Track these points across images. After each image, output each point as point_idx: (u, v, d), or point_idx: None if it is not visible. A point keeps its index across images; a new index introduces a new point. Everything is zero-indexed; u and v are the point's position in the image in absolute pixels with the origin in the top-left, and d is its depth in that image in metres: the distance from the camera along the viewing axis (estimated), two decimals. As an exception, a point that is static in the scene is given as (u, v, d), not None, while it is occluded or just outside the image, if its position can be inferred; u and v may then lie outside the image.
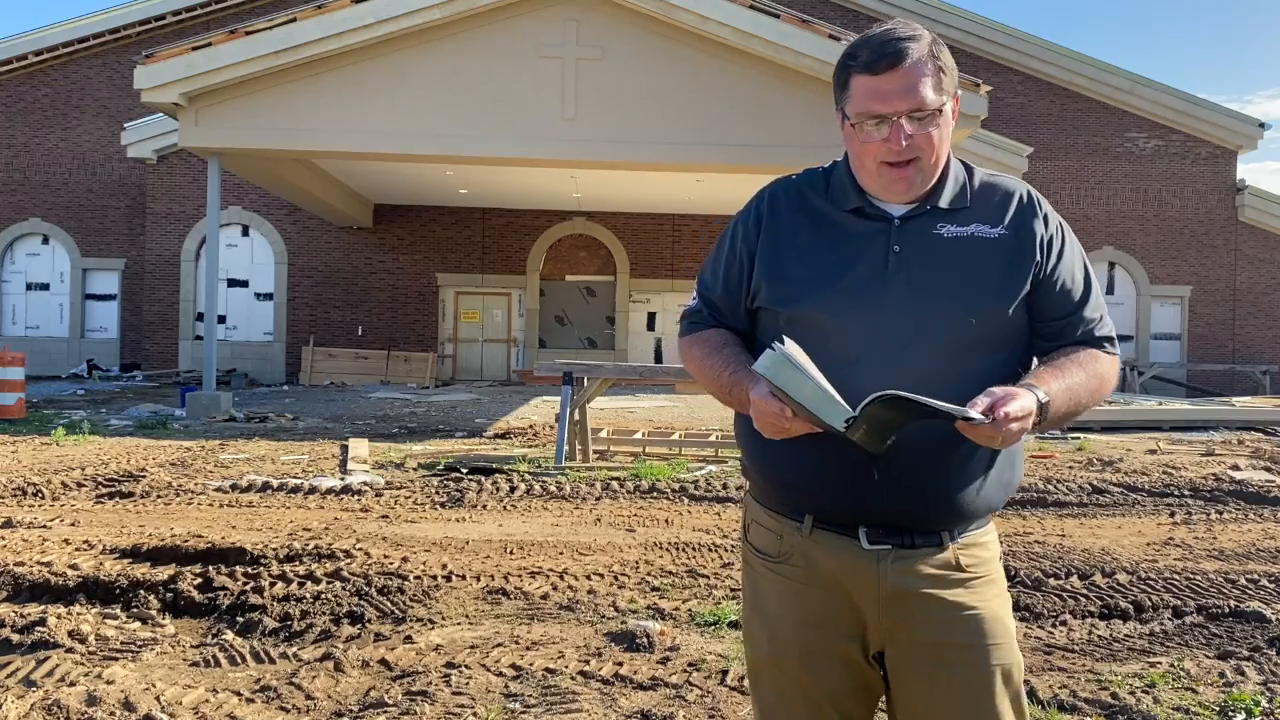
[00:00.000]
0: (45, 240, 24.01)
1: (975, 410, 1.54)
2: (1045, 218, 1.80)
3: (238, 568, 5.10)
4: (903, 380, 1.57)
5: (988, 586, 1.79)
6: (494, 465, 9.02)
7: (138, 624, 4.28)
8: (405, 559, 5.42)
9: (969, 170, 1.84)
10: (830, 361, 1.62)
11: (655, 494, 7.74)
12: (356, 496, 7.45)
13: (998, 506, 1.82)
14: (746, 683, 3.65)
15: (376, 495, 7.49)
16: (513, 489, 7.79)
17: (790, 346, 1.58)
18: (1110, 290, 23.67)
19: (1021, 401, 1.58)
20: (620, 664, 3.86)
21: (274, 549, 5.48)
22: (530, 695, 3.56)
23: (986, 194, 1.81)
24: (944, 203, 1.78)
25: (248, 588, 4.73)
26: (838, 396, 1.55)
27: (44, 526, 6.17)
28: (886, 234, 1.77)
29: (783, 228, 1.84)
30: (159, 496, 7.35)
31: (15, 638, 3.98)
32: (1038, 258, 1.76)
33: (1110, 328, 1.84)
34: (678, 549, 5.87)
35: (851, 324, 1.71)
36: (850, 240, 1.78)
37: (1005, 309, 1.73)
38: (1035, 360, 1.81)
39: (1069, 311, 1.79)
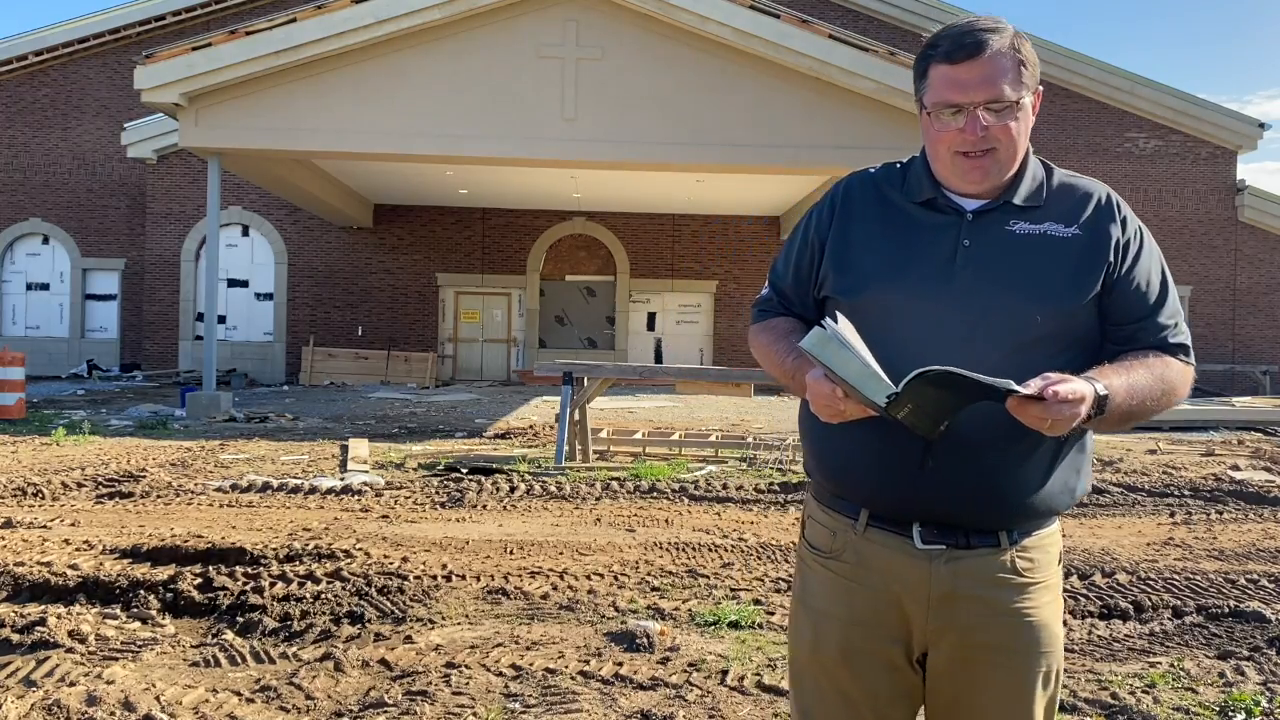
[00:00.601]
0: (45, 240, 24.02)
1: (1027, 390, 1.51)
2: (1123, 221, 1.77)
3: (238, 568, 5.10)
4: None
5: (1043, 592, 1.75)
6: (494, 465, 9.02)
7: (138, 624, 4.28)
8: (405, 559, 5.42)
9: (1048, 169, 1.82)
10: (892, 352, 1.60)
11: (655, 494, 7.74)
12: (356, 496, 7.45)
13: (1061, 509, 1.77)
14: (753, 687, 3.66)
15: (376, 495, 7.49)
16: (513, 489, 7.79)
17: (841, 324, 1.57)
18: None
19: (1074, 385, 1.53)
20: (620, 664, 3.86)
21: (274, 549, 5.48)
22: (530, 695, 3.56)
23: (1064, 194, 1.79)
24: (1018, 199, 1.76)
25: (248, 588, 4.73)
26: (882, 373, 1.53)
27: (44, 526, 6.17)
28: (957, 227, 1.75)
29: (854, 218, 1.83)
30: (159, 496, 7.34)
31: (15, 638, 3.98)
32: (1110, 259, 1.73)
33: (1185, 336, 1.78)
34: (678, 549, 5.87)
35: (915, 315, 1.70)
36: (920, 232, 1.77)
37: (1072, 307, 1.70)
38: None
39: (1141, 316, 1.75)
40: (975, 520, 1.71)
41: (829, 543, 1.82)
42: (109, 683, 3.57)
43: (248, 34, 13.94)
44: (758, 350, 1.94)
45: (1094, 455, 9.54)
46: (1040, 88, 1.77)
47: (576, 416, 9.71)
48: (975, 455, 1.66)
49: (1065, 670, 3.88)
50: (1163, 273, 1.79)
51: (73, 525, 6.26)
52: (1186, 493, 8.09)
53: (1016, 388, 1.50)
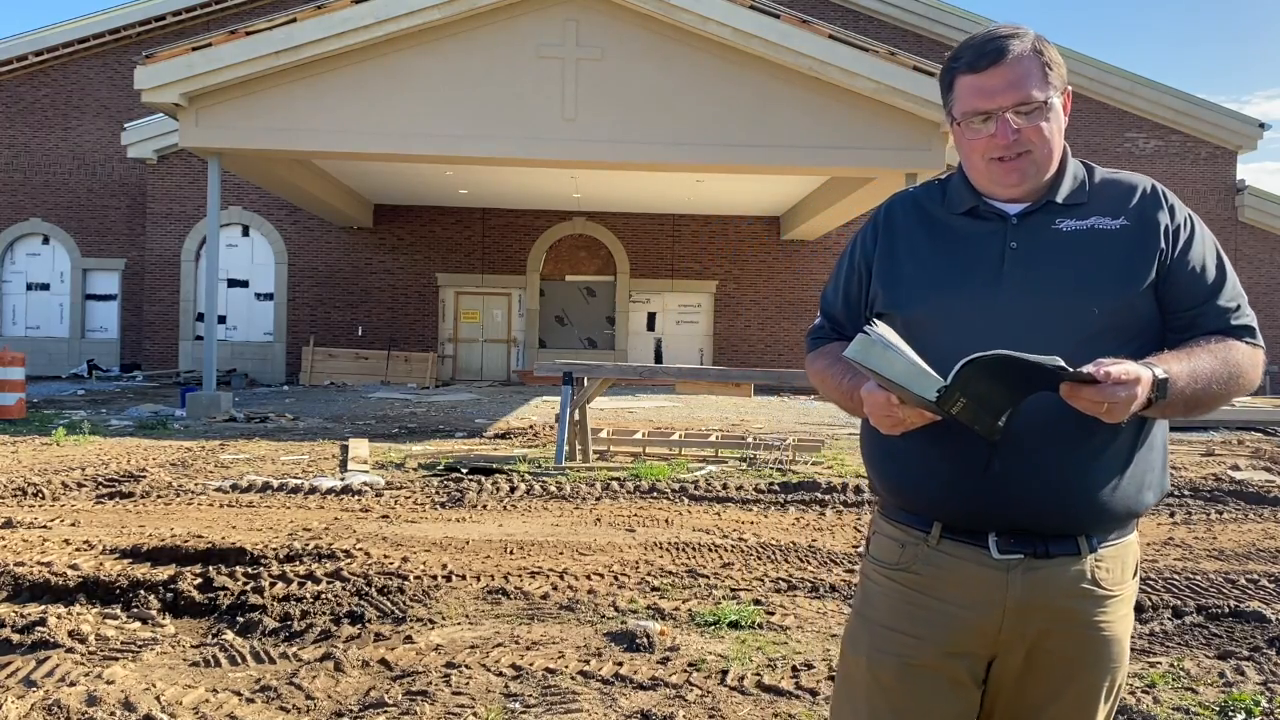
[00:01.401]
0: (45, 240, 24.02)
1: (1078, 370, 1.48)
2: (1171, 208, 1.75)
3: (238, 568, 5.10)
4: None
5: (1119, 605, 1.72)
6: (494, 465, 9.02)
7: (138, 624, 4.28)
8: (405, 559, 5.42)
9: (1089, 169, 1.81)
10: (951, 361, 1.54)
11: (655, 494, 7.74)
12: (356, 496, 7.45)
13: (1139, 510, 1.73)
14: (753, 687, 3.66)
15: (376, 495, 7.49)
16: (513, 489, 7.79)
17: (881, 327, 1.56)
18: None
19: (1127, 366, 1.50)
20: (620, 664, 3.86)
21: (274, 549, 5.48)
22: (530, 695, 3.56)
23: (1107, 189, 1.78)
24: (1061, 198, 1.75)
25: (248, 588, 4.73)
26: (929, 368, 1.51)
27: (44, 526, 6.17)
28: (1003, 232, 1.74)
29: (898, 235, 1.84)
30: (159, 496, 7.35)
31: (15, 638, 3.98)
32: (1162, 245, 1.71)
33: (1250, 318, 1.76)
34: (678, 549, 5.87)
35: (968, 324, 1.68)
36: (965, 242, 1.77)
37: (1128, 297, 1.69)
38: None
39: (1200, 300, 1.72)
40: (1050, 524, 1.67)
41: (896, 555, 1.78)
42: (109, 683, 3.57)
43: (248, 34, 13.94)
44: (816, 377, 1.92)
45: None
46: (1069, 88, 1.77)
47: (576, 416, 9.71)
48: (1041, 454, 1.63)
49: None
50: (1219, 256, 1.76)
51: (73, 525, 6.26)
52: (1186, 493, 8.09)
53: (1065, 365, 1.47)
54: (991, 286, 1.71)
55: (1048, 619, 1.68)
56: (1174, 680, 3.81)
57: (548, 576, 5.16)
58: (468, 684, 3.64)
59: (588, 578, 5.15)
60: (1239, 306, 1.75)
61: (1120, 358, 1.54)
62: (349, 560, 5.33)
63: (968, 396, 1.50)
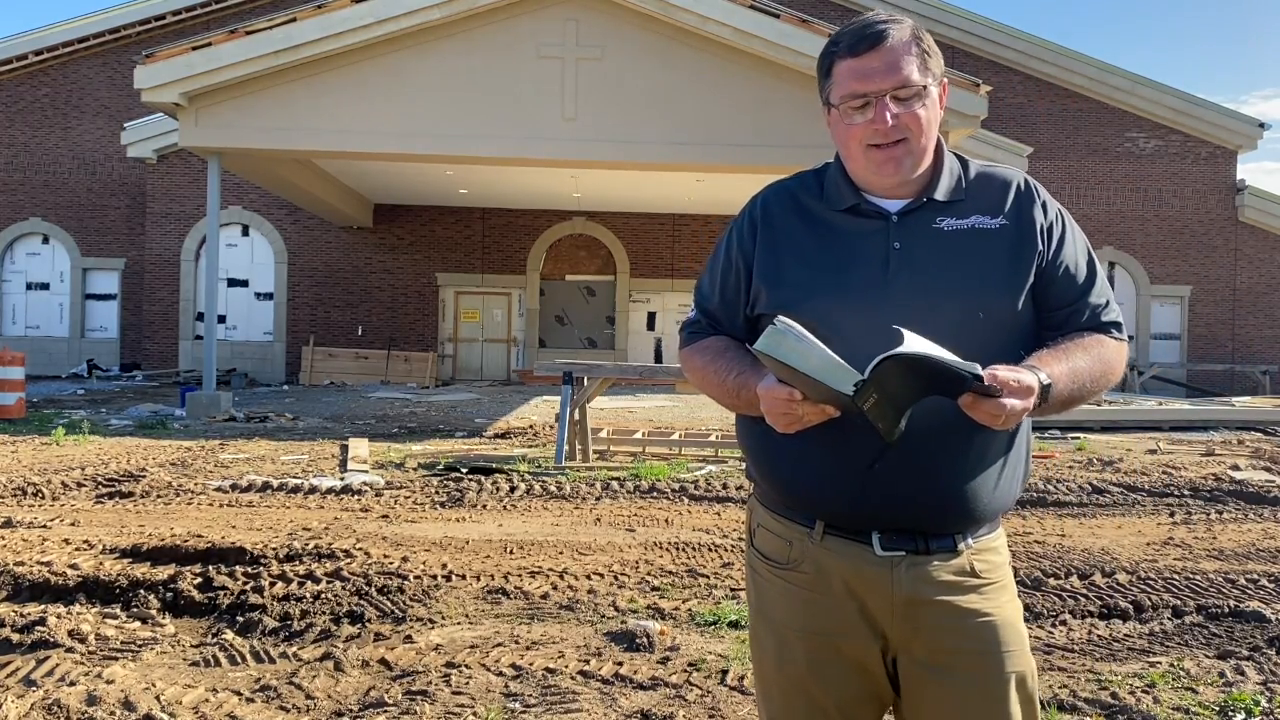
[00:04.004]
0: (45, 240, 24.02)
1: (987, 374, 1.49)
2: (1044, 205, 1.77)
3: (238, 567, 5.10)
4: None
5: (1000, 592, 1.75)
6: (494, 465, 9.02)
7: (138, 624, 4.28)
8: (405, 559, 5.42)
9: (963, 162, 1.81)
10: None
11: (655, 494, 7.74)
12: (356, 496, 7.45)
13: (1008, 507, 1.79)
14: (752, 686, 3.66)
15: (376, 495, 7.49)
16: (513, 489, 7.79)
17: (790, 322, 1.54)
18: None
19: (1023, 376, 1.53)
20: (620, 664, 3.86)
21: (274, 549, 5.48)
22: (530, 695, 3.56)
23: (983, 184, 1.78)
24: (940, 195, 1.75)
25: (248, 587, 4.73)
26: (844, 363, 1.50)
27: (44, 526, 6.17)
28: (885, 231, 1.74)
29: (778, 232, 1.81)
30: (159, 496, 7.34)
31: (15, 637, 3.98)
32: (1039, 246, 1.73)
33: (1116, 313, 1.80)
34: (678, 549, 5.87)
35: (855, 325, 1.66)
36: (848, 240, 1.75)
37: (1013, 301, 1.70)
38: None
39: (1074, 299, 1.76)
40: (933, 524, 1.71)
41: (785, 552, 1.79)
42: (109, 682, 3.57)
43: (248, 34, 13.93)
44: (693, 372, 1.89)
45: (1089, 454, 9.44)
46: (945, 80, 1.77)
47: (576, 416, 9.71)
48: (923, 455, 1.65)
49: (1065, 670, 3.89)
50: (1089, 252, 1.80)
51: (73, 525, 6.26)
52: (1186, 493, 8.09)
53: (981, 371, 1.49)
54: (879, 289, 1.70)
55: (937, 612, 1.70)
56: (1174, 680, 3.81)
57: (548, 576, 5.16)
58: (468, 684, 3.64)
59: (588, 577, 5.15)
60: (1108, 302, 1.79)
61: (1009, 364, 1.57)
62: (349, 560, 5.33)
63: (880, 393, 1.49)
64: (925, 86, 1.70)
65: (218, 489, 7.68)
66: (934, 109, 1.72)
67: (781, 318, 1.55)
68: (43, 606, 4.44)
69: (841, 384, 1.50)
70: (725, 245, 1.90)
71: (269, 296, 23.54)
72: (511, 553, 5.70)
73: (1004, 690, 1.72)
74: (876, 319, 1.66)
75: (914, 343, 1.49)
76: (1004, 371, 1.52)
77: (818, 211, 1.80)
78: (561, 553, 5.72)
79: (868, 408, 1.50)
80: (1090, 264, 1.79)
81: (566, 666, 3.82)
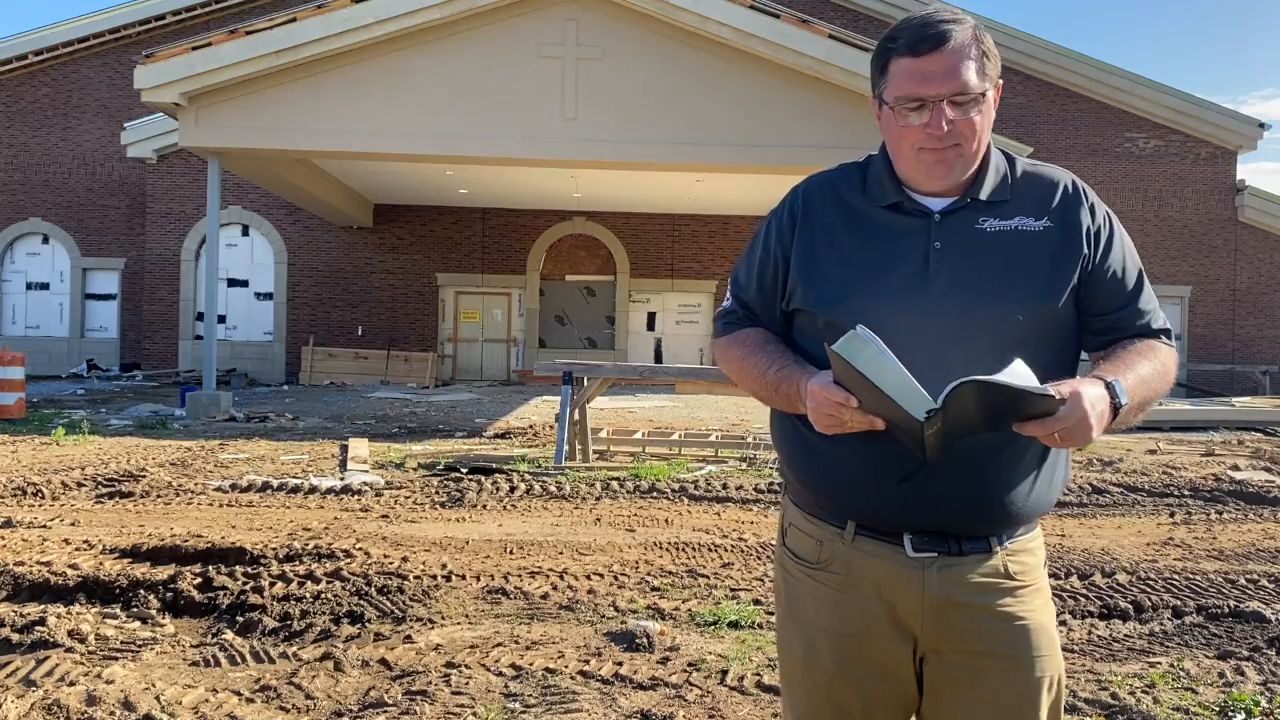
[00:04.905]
0: (45, 240, 24.02)
1: (1060, 395, 1.45)
2: (1091, 208, 1.73)
3: (238, 567, 5.10)
4: (949, 380, 1.47)
5: (1035, 595, 1.73)
6: (494, 465, 9.02)
7: (138, 624, 4.28)
8: (405, 559, 5.42)
9: (1010, 160, 1.77)
10: None
11: (655, 494, 7.74)
12: (356, 496, 7.45)
13: (1047, 509, 1.75)
14: (752, 687, 3.66)
15: (376, 495, 7.48)
16: (513, 489, 7.79)
17: (871, 332, 1.50)
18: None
19: (1100, 405, 1.50)
20: (620, 664, 3.86)
21: (274, 549, 5.48)
22: (530, 695, 3.55)
23: (1029, 185, 1.74)
24: (985, 195, 1.71)
25: (248, 587, 4.72)
26: (920, 387, 1.45)
27: (44, 526, 6.17)
28: (926, 230, 1.70)
29: (818, 227, 1.77)
30: (159, 496, 7.34)
31: (15, 637, 3.98)
32: (1085, 250, 1.69)
33: (1165, 320, 1.76)
34: (678, 549, 5.87)
35: (893, 325, 1.60)
36: (889, 238, 1.72)
37: (1054, 305, 1.66)
38: (1084, 355, 1.74)
39: (1121, 304, 1.72)
40: (967, 527, 1.68)
41: (815, 552, 1.77)
42: (109, 682, 3.56)
43: (248, 34, 13.93)
44: (730, 364, 1.85)
45: (1089, 454, 9.44)
46: (1001, 81, 1.73)
47: (576, 416, 9.71)
48: (961, 461, 1.61)
49: (1065, 670, 3.89)
50: (1135, 258, 1.77)
51: (73, 525, 6.26)
52: (1186, 493, 8.09)
53: (1050, 391, 1.44)
54: (919, 289, 1.67)
55: (968, 615, 1.68)
56: (1174, 680, 3.81)
57: (547, 576, 5.16)
58: (467, 684, 3.64)
59: (588, 577, 5.15)
60: (1155, 309, 1.76)
61: (1058, 373, 1.54)
62: (349, 560, 5.33)
63: (946, 420, 1.45)
64: (984, 93, 1.66)
65: (218, 489, 7.67)
66: (989, 113, 1.68)
67: (862, 326, 1.51)
68: (42, 606, 4.43)
69: (915, 408, 1.45)
70: (764, 236, 1.85)
71: (269, 296, 23.54)
72: (511, 553, 5.70)
73: (1034, 694, 1.70)
74: (915, 320, 1.64)
75: (1007, 372, 1.45)
76: (1073, 389, 1.48)
77: (859, 206, 1.77)
78: (561, 553, 5.72)
79: (929, 436, 1.47)
80: (1138, 271, 1.75)
81: (566, 666, 3.82)
